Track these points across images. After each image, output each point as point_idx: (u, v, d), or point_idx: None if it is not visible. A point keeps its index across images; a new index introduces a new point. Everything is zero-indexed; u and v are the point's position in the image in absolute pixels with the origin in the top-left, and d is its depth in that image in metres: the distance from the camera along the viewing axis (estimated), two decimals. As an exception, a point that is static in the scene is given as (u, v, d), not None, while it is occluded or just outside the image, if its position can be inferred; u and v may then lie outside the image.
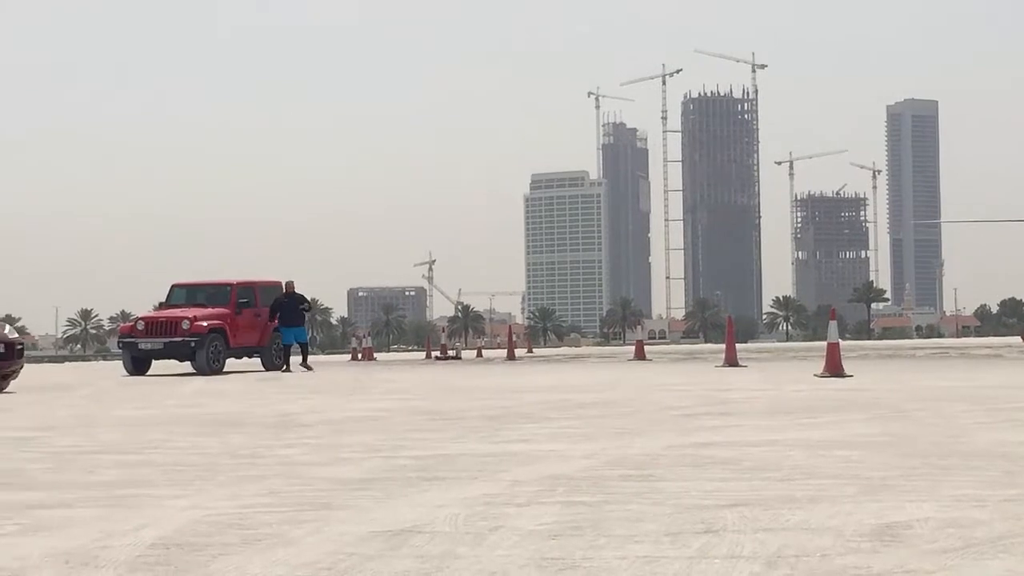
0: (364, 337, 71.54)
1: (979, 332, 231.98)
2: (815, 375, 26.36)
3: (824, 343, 28.33)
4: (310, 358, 42.34)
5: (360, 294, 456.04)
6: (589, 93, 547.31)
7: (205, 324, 37.20)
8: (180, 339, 36.80)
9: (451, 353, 59.55)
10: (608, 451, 11.53)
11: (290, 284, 40.08)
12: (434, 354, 59.52)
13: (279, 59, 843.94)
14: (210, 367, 36.76)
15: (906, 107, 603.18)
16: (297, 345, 40.05)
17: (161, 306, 40.57)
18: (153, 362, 38.12)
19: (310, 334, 57.31)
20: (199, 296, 40.62)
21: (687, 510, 7.87)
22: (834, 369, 26.12)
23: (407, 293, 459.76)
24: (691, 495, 8.53)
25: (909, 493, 8.51)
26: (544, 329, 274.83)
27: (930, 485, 8.90)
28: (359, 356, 60.38)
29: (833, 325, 28.16)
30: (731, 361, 33.55)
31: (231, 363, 39.13)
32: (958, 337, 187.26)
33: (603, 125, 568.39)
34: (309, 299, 41.01)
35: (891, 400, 18.64)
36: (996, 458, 10.49)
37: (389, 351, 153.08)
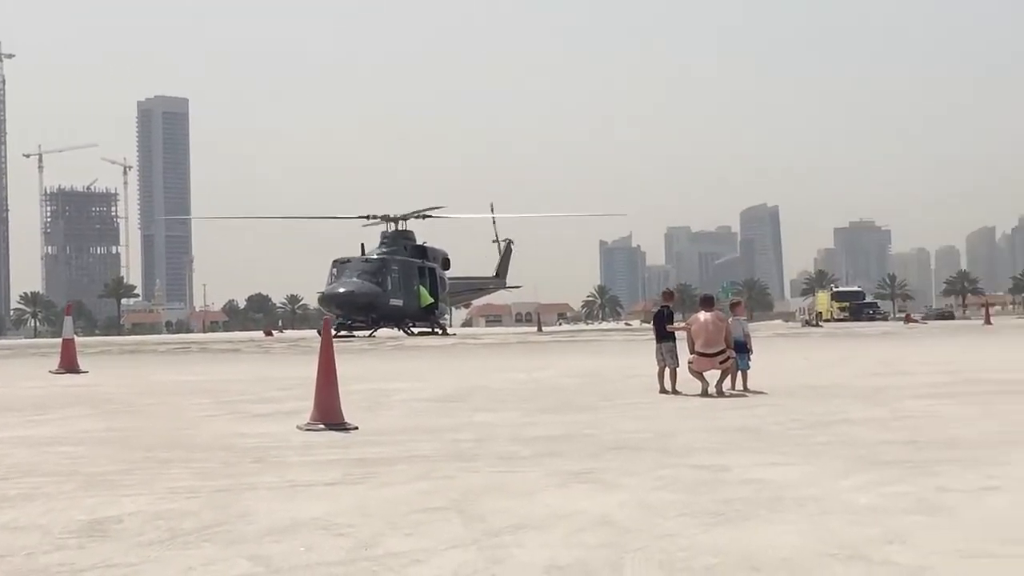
0: None
1: (227, 327, 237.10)
2: (50, 371, 25.87)
3: (66, 339, 27.81)
4: None
5: None
6: None
7: None
8: None
9: None
10: None
11: None
12: None
13: None
14: None
15: (157, 103, 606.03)
16: None
17: None
18: None
19: None
20: None
21: None
22: (69, 365, 25.78)
23: None
24: None
25: (127, 487, 8.56)
26: None
27: (149, 478, 9.01)
28: None
29: (68, 321, 27.72)
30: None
31: None
32: (205, 332, 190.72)
33: None
34: None
35: (124, 395, 18.67)
36: (217, 449, 10.81)
37: None
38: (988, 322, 65.30)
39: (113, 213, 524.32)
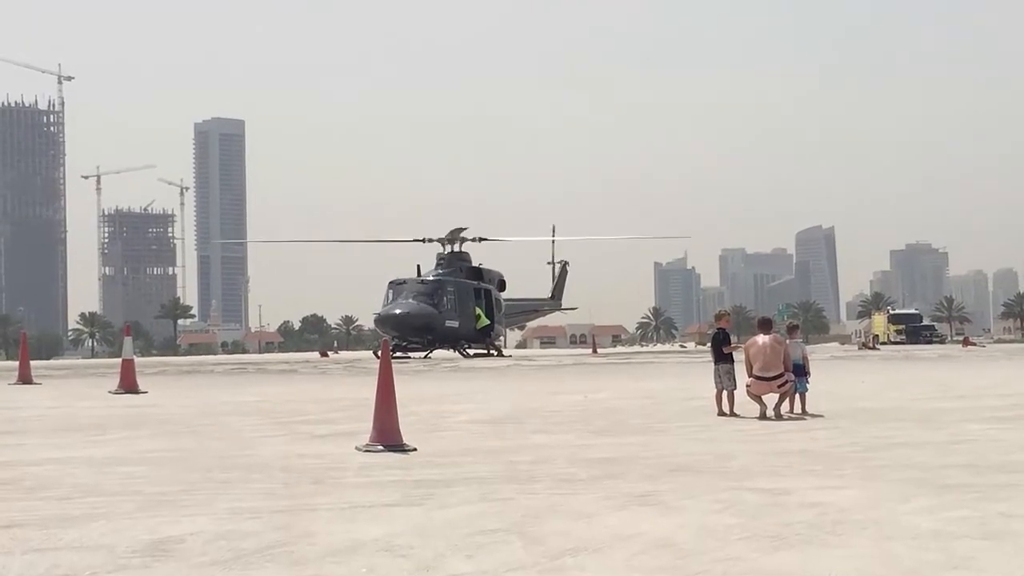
0: None
1: (282, 348, 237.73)
2: (110, 392, 26.07)
3: (125, 359, 28.03)
4: None
5: None
6: None
7: None
8: None
9: None
10: None
11: None
12: None
13: None
14: None
15: (213, 125, 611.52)
16: None
17: None
18: None
19: None
20: None
21: (-47, 534, 7.53)
22: (129, 385, 25.98)
23: None
24: (-40, 519, 8.17)
25: (187, 507, 8.61)
26: None
27: (208, 498, 9.05)
28: None
29: (128, 341, 27.98)
30: (24, 378, 32.43)
31: None
32: (261, 352, 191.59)
33: None
34: None
35: (182, 415, 18.79)
36: (276, 470, 10.85)
37: None
38: (1048, 345, 64.50)
39: (170, 234, 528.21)
